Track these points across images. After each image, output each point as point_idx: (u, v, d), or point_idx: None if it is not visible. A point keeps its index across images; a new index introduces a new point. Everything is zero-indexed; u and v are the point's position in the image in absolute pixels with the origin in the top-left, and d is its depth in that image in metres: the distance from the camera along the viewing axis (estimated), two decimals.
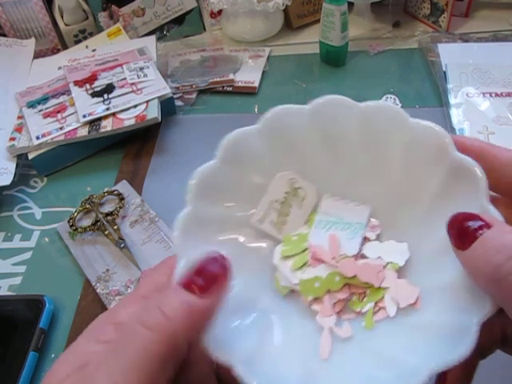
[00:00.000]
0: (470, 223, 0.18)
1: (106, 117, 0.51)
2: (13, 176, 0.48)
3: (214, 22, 0.70)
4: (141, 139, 0.53)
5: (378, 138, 0.27)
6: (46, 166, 0.51)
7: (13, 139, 0.51)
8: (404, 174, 0.27)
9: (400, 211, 0.27)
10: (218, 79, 0.58)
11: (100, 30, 0.67)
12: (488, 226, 0.18)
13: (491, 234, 0.18)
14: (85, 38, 0.66)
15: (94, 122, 0.51)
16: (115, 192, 0.46)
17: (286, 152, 0.27)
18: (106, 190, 0.47)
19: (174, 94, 0.55)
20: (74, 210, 0.45)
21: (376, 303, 0.25)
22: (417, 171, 0.26)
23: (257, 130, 0.26)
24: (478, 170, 0.21)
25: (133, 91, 0.53)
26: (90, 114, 0.51)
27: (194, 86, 0.58)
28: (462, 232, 0.19)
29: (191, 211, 0.22)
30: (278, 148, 0.26)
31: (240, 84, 0.58)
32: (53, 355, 0.37)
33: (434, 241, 0.23)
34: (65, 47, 0.67)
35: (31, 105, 0.54)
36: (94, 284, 0.40)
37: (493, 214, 0.20)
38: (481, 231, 0.18)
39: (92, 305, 0.39)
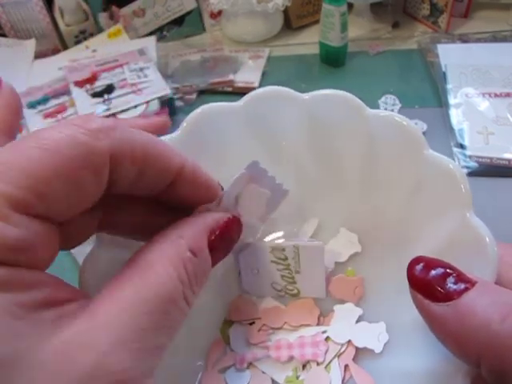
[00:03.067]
0: (449, 284, 0.16)
1: (106, 117, 0.51)
2: None
3: (214, 23, 0.70)
4: None
5: (330, 134, 0.23)
6: None
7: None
8: (367, 173, 0.23)
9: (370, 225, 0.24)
10: (218, 80, 0.58)
11: (100, 30, 0.67)
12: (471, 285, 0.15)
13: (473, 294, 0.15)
14: (85, 39, 0.67)
15: None
16: None
17: (215, 161, 0.22)
18: None
19: (174, 94, 0.55)
20: None
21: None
22: (383, 172, 0.23)
23: (175, 138, 0.22)
24: (458, 172, 0.19)
25: (133, 92, 0.53)
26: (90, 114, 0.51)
27: (194, 87, 0.58)
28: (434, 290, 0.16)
29: None
30: (203, 157, 0.21)
31: (240, 84, 0.58)
32: None
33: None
34: (65, 48, 0.67)
35: (31, 105, 0.54)
36: None
37: (476, 225, 0.18)
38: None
39: None
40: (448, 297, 0.15)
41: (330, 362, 0.23)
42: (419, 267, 0.16)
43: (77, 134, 0.14)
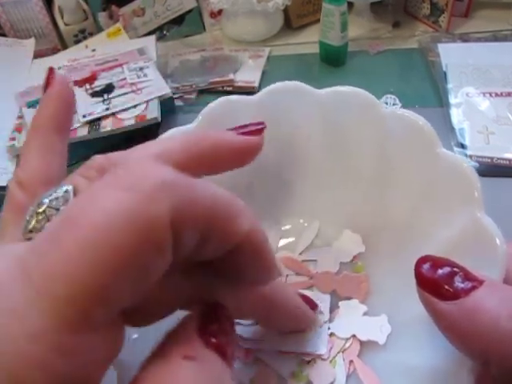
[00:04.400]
0: (457, 282, 0.15)
1: (105, 117, 0.51)
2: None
3: (214, 22, 0.70)
4: (141, 139, 0.53)
5: (344, 131, 0.23)
6: None
7: (13, 139, 0.51)
8: (381, 171, 0.23)
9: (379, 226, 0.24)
10: (218, 79, 0.58)
11: (100, 30, 0.66)
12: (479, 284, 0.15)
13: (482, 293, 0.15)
14: (85, 38, 0.66)
15: (94, 122, 0.51)
16: None
17: None
18: None
19: (173, 93, 0.55)
20: None
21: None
22: (395, 169, 0.23)
23: (193, 129, 0.22)
24: (470, 171, 0.19)
25: (133, 91, 0.53)
26: (89, 114, 0.51)
27: (193, 86, 0.58)
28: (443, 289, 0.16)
29: None
30: None
31: (240, 84, 0.58)
32: None
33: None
34: (65, 47, 0.67)
35: (31, 105, 0.54)
36: None
37: (487, 225, 0.18)
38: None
39: None
40: (456, 295, 0.15)
41: (334, 357, 0.23)
42: (427, 266, 0.16)
43: (131, 207, 0.11)
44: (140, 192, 0.11)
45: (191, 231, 0.12)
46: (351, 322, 0.23)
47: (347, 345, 0.23)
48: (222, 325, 0.15)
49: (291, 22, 0.67)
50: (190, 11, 0.69)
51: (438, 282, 0.16)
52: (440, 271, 0.16)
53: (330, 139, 0.24)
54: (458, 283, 0.15)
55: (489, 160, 0.43)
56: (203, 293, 0.16)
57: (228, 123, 0.21)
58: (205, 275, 0.16)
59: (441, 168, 0.20)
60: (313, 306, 0.22)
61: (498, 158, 0.43)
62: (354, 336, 0.23)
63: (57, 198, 0.15)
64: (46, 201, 0.15)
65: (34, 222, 0.14)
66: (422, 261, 0.17)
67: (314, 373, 0.23)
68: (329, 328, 0.24)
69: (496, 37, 0.60)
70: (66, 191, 0.15)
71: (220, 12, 0.67)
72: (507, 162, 0.42)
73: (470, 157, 0.43)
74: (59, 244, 0.11)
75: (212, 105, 0.22)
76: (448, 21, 0.61)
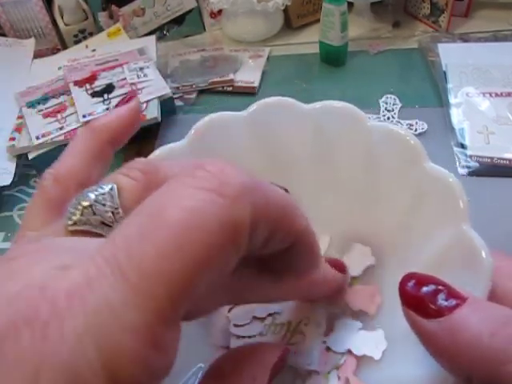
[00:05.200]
0: (440, 300, 0.16)
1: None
2: (13, 176, 0.48)
3: (214, 22, 0.70)
4: (141, 139, 0.53)
5: (333, 145, 0.23)
6: (46, 166, 0.50)
7: (13, 139, 0.51)
8: (368, 185, 0.24)
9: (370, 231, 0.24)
10: (218, 79, 0.58)
11: (100, 29, 0.67)
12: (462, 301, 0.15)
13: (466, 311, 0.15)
14: (85, 38, 0.66)
15: None
16: None
17: None
18: None
19: (173, 93, 0.55)
20: None
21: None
22: (383, 183, 0.23)
23: (184, 146, 0.22)
24: (456, 185, 0.19)
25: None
26: (90, 114, 0.51)
27: (193, 86, 0.58)
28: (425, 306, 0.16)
29: None
30: None
31: (240, 84, 0.58)
32: None
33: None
34: (65, 47, 0.67)
35: (31, 105, 0.54)
36: None
37: (473, 238, 0.18)
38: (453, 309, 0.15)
39: None
40: (439, 313, 0.15)
41: (329, 372, 0.23)
42: (411, 284, 0.16)
43: (217, 211, 0.12)
44: (226, 196, 0.12)
45: (263, 230, 0.13)
46: (347, 336, 0.23)
47: (342, 360, 0.23)
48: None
49: (291, 22, 0.67)
50: (190, 11, 0.69)
51: (422, 300, 0.16)
52: (424, 289, 0.16)
53: (319, 154, 0.24)
54: (442, 301, 0.16)
55: (489, 160, 0.43)
56: (249, 288, 0.18)
57: (219, 138, 0.21)
58: (251, 271, 0.17)
59: (427, 182, 0.21)
60: (342, 268, 0.23)
61: (498, 158, 0.43)
62: (349, 351, 0.23)
63: (103, 194, 0.15)
64: (92, 195, 0.15)
65: (78, 215, 0.15)
66: (406, 279, 0.17)
67: None
68: (324, 342, 0.24)
69: (496, 37, 0.60)
70: (112, 189, 0.15)
71: (220, 12, 0.67)
72: (507, 162, 0.42)
73: (470, 157, 0.43)
74: (151, 242, 0.11)
75: (203, 120, 0.23)
76: (448, 21, 0.61)
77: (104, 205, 0.15)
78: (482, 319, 0.15)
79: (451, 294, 0.16)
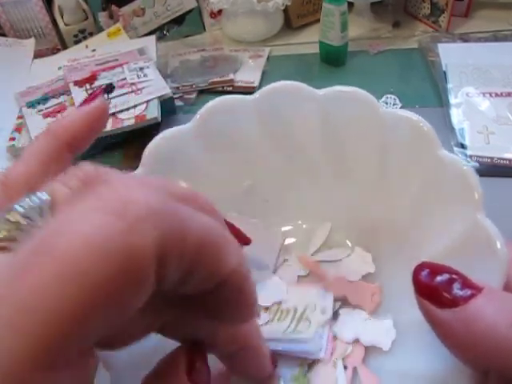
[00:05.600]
0: (455, 289, 0.15)
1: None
2: None
3: (214, 22, 0.70)
4: (141, 139, 0.53)
5: (343, 131, 0.23)
6: None
7: (13, 139, 0.51)
8: (380, 172, 0.23)
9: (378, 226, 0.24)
10: (218, 79, 0.58)
11: (100, 29, 0.67)
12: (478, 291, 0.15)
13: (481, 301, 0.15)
14: (85, 38, 0.66)
15: None
16: None
17: (226, 155, 0.22)
18: None
19: (173, 93, 0.55)
20: None
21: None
22: (396, 170, 0.22)
23: (190, 129, 0.22)
24: (470, 173, 0.19)
25: (133, 91, 0.53)
26: None
27: (193, 86, 0.58)
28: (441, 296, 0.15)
29: None
30: (216, 150, 0.21)
31: (240, 84, 0.58)
32: None
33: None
34: (65, 47, 0.67)
35: (31, 105, 0.54)
36: None
37: (488, 228, 0.17)
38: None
39: None
40: (454, 303, 0.15)
41: (336, 361, 0.23)
42: (425, 273, 0.16)
43: (114, 236, 0.10)
44: (123, 220, 0.10)
45: (176, 265, 0.11)
46: (355, 325, 0.23)
47: (349, 350, 0.23)
48: (205, 365, 0.16)
49: (291, 22, 0.67)
50: (190, 11, 0.69)
51: (436, 289, 0.16)
52: (438, 278, 0.16)
53: (328, 140, 0.24)
54: (457, 290, 0.15)
55: (489, 160, 0.43)
56: (180, 321, 0.16)
57: (225, 123, 0.20)
58: (184, 305, 0.15)
59: (441, 169, 0.20)
60: (273, 360, 0.21)
61: (498, 158, 0.43)
62: (357, 340, 0.23)
63: (32, 208, 0.13)
64: (19, 209, 0.13)
65: (5, 232, 0.13)
66: (420, 268, 0.16)
67: (315, 376, 0.22)
68: (331, 330, 0.23)
69: (496, 37, 0.60)
70: (42, 200, 0.14)
71: (220, 12, 0.67)
72: (507, 162, 0.42)
73: (470, 157, 0.43)
74: (32, 273, 0.10)
75: (209, 104, 0.22)
76: (448, 21, 0.61)
77: (32, 220, 0.13)
78: (498, 310, 0.15)
79: (466, 283, 0.15)
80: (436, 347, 0.18)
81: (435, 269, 0.16)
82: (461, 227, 0.19)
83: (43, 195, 0.13)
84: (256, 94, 0.22)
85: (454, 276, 0.16)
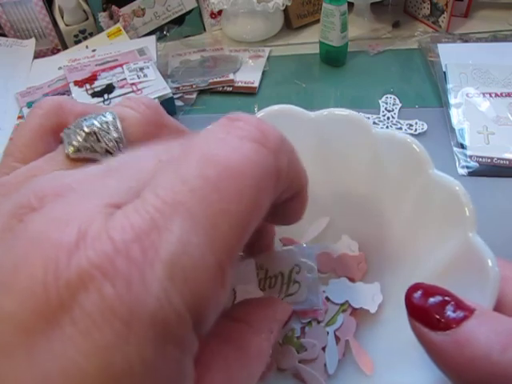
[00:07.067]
0: (448, 312, 0.15)
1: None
2: None
3: (214, 23, 0.70)
4: None
5: (337, 152, 0.24)
6: None
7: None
8: (373, 193, 0.24)
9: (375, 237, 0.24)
10: (218, 79, 0.58)
11: (100, 30, 0.67)
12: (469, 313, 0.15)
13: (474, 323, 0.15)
14: (85, 38, 0.66)
15: None
16: None
17: None
18: None
19: (174, 94, 0.55)
20: None
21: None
22: (390, 191, 0.23)
23: None
24: (462, 193, 0.19)
25: (133, 91, 0.53)
26: None
27: (194, 86, 0.58)
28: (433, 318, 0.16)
29: None
30: None
31: (240, 84, 0.58)
32: None
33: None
34: (65, 47, 0.67)
35: (31, 105, 0.54)
36: None
37: (479, 247, 0.17)
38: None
39: None
40: (447, 325, 0.15)
41: (328, 325, 0.24)
42: (417, 295, 0.16)
43: (266, 159, 0.13)
44: (270, 147, 0.13)
45: (286, 179, 0.14)
46: (344, 289, 0.24)
47: (340, 321, 0.23)
48: None
49: (291, 23, 0.67)
50: (190, 11, 0.69)
51: (428, 312, 0.16)
52: (431, 300, 0.16)
53: (323, 161, 0.24)
54: (450, 313, 0.15)
55: (489, 160, 0.43)
56: None
57: None
58: None
59: (433, 189, 0.21)
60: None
61: (498, 158, 0.43)
62: (347, 303, 0.24)
63: (106, 122, 0.14)
64: (96, 122, 0.14)
65: (81, 141, 0.14)
66: (412, 289, 0.17)
67: (307, 337, 0.23)
68: (324, 292, 0.24)
69: (496, 37, 0.60)
70: (114, 117, 0.14)
71: (220, 12, 0.67)
72: (507, 162, 0.42)
73: (470, 157, 0.43)
74: (213, 185, 0.12)
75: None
76: (448, 21, 0.61)
77: (108, 133, 0.14)
78: (491, 332, 0.14)
79: (458, 305, 0.15)
80: None
81: (428, 290, 0.16)
82: (452, 246, 0.19)
83: (111, 113, 0.15)
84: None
85: (446, 298, 0.16)
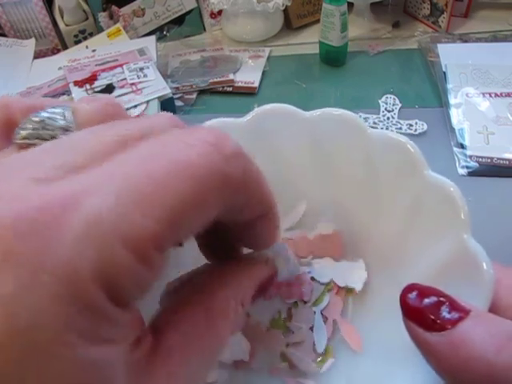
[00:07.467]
0: (443, 313, 0.15)
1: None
2: None
3: (214, 23, 0.70)
4: None
5: (331, 152, 0.24)
6: None
7: None
8: (367, 193, 0.24)
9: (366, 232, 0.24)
10: (218, 79, 0.58)
11: (100, 30, 0.67)
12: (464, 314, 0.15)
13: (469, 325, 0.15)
14: (85, 39, 0.66)
15: None
16: None
17: None
18: None
19: (173, 94, 0.55)
20: None
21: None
22: (385, 192, 0.23)
23: None
24: (457, 195, 0.19)
25: (133, 91, 0.53)
26: None
27: (194, 87, 0.58)
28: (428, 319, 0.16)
29: None
30: None
31: (240, 84, 0.58)
32: None
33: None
34: (65, 47, 0.67)
35: None
36: None
37: (473, 249, 0.17)
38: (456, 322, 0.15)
39: None
40: (442, 326, 0.15)
41: (316, 301, 0.24)
42: (413, 295, 0.16)
43: (215, 161, 0.13)
44: (224, 154, 0.13)
45: (242, 194, 0.15)
46: (329, 266, 0.24)
47: (327, 300, 0.24)
48: None
49: (291, 23, 0.67)
50: (190, 12, 0.69)
51: (423, 312, 0.16)
52: (426, 301, 0.16)
53: (318, 161, 0.24)
54: (445, 313, 0.15)
55: (488, 160, 0.43)
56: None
57: None
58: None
59: (427, 190, 0.20)
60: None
61: (498, 158, 0.43)
62: (332, 281, 0.24)
63: (55, 113, 0.15)
64: (44, 113, 0.15)
65: (29, 129, 0.14)
66: (407, 290, 0.17)
67: (294, 319, 0.24)
68: (309, 272, 0.25)
69: (496, 37, 0.60)
70: (65, 108, 0.15)
71: (220, 12, 0.67)
72: (507, 162, 0.42)
73: (470, 157, 0.43)
74: (152, 171, 0.12)
75: (204, 125, 0.23)
76: (448, 21, 0.61)
77: (56, 121, 0.15)
78: (486, 334, 0.14)
79: (454, 306, 0.15)
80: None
81: (423, 291, 0.16)
82: (447, 248, 0.19)
83: (63, 106, 0.15)
84: (246, 117, 0.23)
85: (441, 299, 0.16)
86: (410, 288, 0.17)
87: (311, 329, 0.23)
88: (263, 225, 0.17)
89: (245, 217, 0.16)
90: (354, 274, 0.23)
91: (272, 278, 0.20)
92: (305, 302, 0.24)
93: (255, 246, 0.19)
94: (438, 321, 0.15)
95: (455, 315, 0.15)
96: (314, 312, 0.24)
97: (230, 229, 0.17)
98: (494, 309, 0.17)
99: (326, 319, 0.24)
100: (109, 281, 0.11)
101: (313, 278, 0.24)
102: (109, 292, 0.11)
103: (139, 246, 0.11)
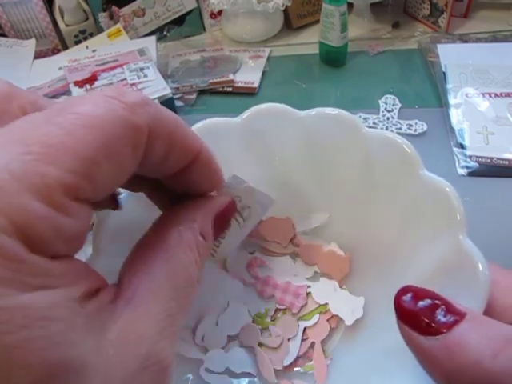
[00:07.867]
0: (438, 316, 0.15)
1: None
2: None
3: (214, 23, 0.70)
4: None
5: (327, 151, 0.24)
6: None
7: None
8: (363, 193, 0.24)
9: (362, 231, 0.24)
10: (218, 80, 0.58)
11: (100, 30, 0.67)
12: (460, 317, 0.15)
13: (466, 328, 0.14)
14: (85, 39, 0.67)
15: None
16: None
17: None
18: None
19: (174, 94, 0.55)
20: None
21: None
22: (381, 191, 0.23)
23: None
24: (453, 195, 0.19)
25: None
26: None
27: (194, 87, 0.58)
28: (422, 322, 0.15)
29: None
30: None
31: (240, 84, 0.58)
32: None
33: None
34: (65, 48, 0.67)
35: None
36: None
37: (469, 249, 0.17)
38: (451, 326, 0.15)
39: None
40: (437, 330, 0.15)
41: (304, 315, 0.24)
42: (407, 298, 0.16)
43: (117, 109, 0.14)
44: (127, 102, 0.14)
45: (160, 141, 0.15)
46: (330, 290, 0.24)
47: (315, 320, 0.24)
48: None
49: (291, 23, 0.67)
50: (190, 12, 0.69)
51: (418, 316, 0.15)
52: (421, 303, 0.15)
53: (313, 160, 0.24)
54: (440, 317, 0.15)
55: (488, 160, 0.43)
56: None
57: (213, 144, 0.21)
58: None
59: (423, 190, 0.20)
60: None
61: (498, 159, 0.43)
62: (327, 305, 0.24)
63: None
64: None
65: None
66: (402, 292, 0.16)
67: (277, 324, 0.24)
68: (309, 286, 0.25)
69: (495, 37, 0.60)
70: None
71: (220, 13, 0.67)
72: (507, 162, 0.42)
73: (470, 157, 0.43)
74: (60, 124, 0.12)
75: (197, 126, 0.23)
76: (447, 21, 0.61)
77: None
78: (482, 337, 0.14)
79: (449, 309, 0.15)
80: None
81: (418, 294, 0.16)
82: (443, 248, 0.19)
83: None
84: (241, 117, 0.23)
85: (436, 301, 0.15)
86: (404, 290, 0.16)
87: (289, 340, 0.23)
88: (198, 169, 0.17)
89: (174, 164, 0.16)
90: (350, 308, 0.23)
91: (231, 206, 0.20)
92: (293, 314, 0.24)
93: (198, 189, 0.19)
94: (433, 324, 0.15)
95: (450, 318, 0.15)
96: (298, 325, 0.24)
97: (172, 180, 0.18)
98: (490, 311, 0.16)
99: (306, 338, 0.23)
100: (23, 230, 0.11)
101: (309, 294, 0.24)
102: (26, 241, 0.11)
103: (49, 194, 0.11)
